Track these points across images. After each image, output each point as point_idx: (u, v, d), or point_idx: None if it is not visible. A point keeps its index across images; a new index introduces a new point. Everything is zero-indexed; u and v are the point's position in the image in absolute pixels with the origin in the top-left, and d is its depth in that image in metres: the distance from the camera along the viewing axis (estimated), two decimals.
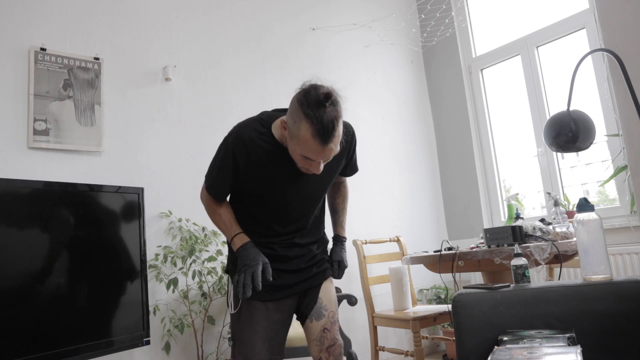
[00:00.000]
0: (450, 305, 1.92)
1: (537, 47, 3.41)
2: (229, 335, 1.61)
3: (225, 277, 2.55)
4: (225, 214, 1.55)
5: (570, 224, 2.16)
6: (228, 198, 1.62)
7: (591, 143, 1.50)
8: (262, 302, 1.52)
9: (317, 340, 1.55)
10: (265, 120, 1.47)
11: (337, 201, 1.75)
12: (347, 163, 1.63)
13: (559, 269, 2.34)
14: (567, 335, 1.26)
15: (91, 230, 2.03)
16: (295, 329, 2.25)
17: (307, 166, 1.37)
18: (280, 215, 1.54)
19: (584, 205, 1.47)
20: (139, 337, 2.13)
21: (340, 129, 1.31)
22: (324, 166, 1.43)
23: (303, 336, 2.22)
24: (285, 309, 1.57)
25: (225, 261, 2.63)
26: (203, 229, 2.65)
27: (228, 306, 1.58)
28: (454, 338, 1.69)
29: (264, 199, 1.51)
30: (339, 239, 1.72)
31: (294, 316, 1.64)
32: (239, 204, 1.58)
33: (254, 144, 1.43)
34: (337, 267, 1.66)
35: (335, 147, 1.31)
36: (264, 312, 1.52)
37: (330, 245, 1.73)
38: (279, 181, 1.48)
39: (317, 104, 1.27)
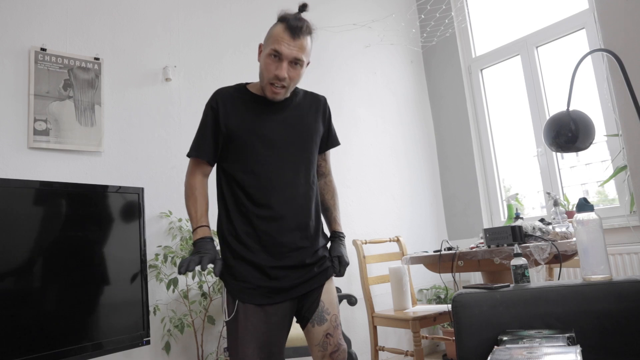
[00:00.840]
0: (450, 305, 1.92)
1: (536, 47, 3.41)
2: (226, 346, 1.55)
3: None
4: (200, 201, 1.55)
5: (570, 224, 2.16)
6: (215, 185, 1.60)
7: (591, 143, 1.51)
8: (260, 307, 1.45)
9: (319, 346, 1.49)
10: (239, 84, 1.64)
11: (327, 197, 1.72)
12: (326, 133, 1.68)
13: (558, 269, 2.34)
14: (567, 335, 1.26)
15: (91, 230, 2.03)
16: (295, 329, 2.25)
17: (274, 70, 1.46)
18: (267, 178, 1.50)
19: (584, 205, 1.47)
20: (139, 337, 2.13)
21: (308, 39, 1.49)
22: (300, 116, 1.58)
23: (303, 336, 2.21)
24: (285, 312, 1.49)
25: None
26: None
27: (223, 313, 1.50)
28: (454, 338, 1.69)
29: (247, 156, 1.50)
30: (336, 235, 1.66)
31: (294, 319, 1.57)
32: (226, 182, 1.55)
33: (231, 96, 1.57)
34: (338, 264, 1.58)
35: (302, 48, 1.46)
36: (262, 316, 1.44)
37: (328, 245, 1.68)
38: (256, 122, 1.53)
39: (291, 13, 1.49)
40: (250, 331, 1.43)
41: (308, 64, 1.54)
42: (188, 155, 1.59)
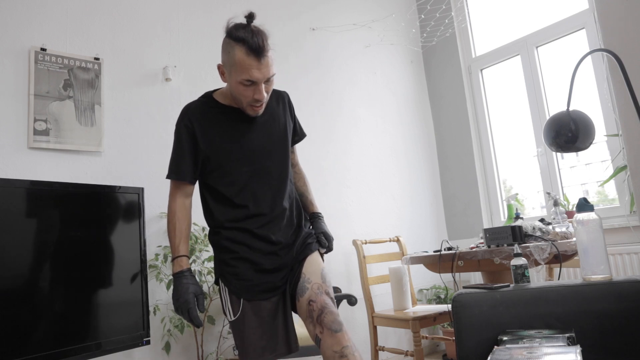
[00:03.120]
0: (450, 305, 1.93)
1: (536, 47, 3.41)
2: (234, 345, 1.58)
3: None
4: (180, 227, 1.55)
5: (570, 224, 2.16)
6: (198, 196, 1.63)
7: (591, 143, 1.51)
8: (264, 301, 1.50)
9: (307, 316, 1.42)
10: (205, 93, 1.61)
11: (299, 184, 1.76)
12: (294, 127, 1.70)
13: (558, 269, 2.34)
14: (567, 335, 1.26)
15: (91, 230, 2.03)
16: (299, 326, 2.24)
17: (251, 95, 1.43)
18: (252, 184, 1.52)
19: (584, 205, 1.47)
20: (139, 337, 2.13)
21: (269, 46, 1.42)
22: (273, 117, 1.59)
23: (306, 335, 2.21)
24: (278, 299, 1.53)
25: None
26: (203, 229, 2.65)
27: (225, 314, 1.54)
28: (454, 338, 1.69)
29: (229, 168, 1.52)
30: (315, 215, 1.70)
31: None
32: (209, 192, 1.58)
33: (200, 110, 1.54)
34: (325, 239, 1.62)
35: (270, 65, 1.42)
36: (264, 310, 1.49)
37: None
38: (235, 135, 1.52)
39: (242, 27, 1.42)
40: (258, 326, 1.46)
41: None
42: (167, 177, 1.59)
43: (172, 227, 1.56)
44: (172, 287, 2.35)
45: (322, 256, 1.65)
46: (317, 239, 1.62)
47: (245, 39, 1.39)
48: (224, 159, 1.52)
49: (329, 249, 1.63)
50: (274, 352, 1.46)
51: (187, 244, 1.55)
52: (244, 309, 1.49)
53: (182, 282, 1.47)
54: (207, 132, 1.52)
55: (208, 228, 2.65)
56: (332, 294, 1.48)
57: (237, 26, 1.44)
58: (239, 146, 1.53)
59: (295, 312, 1.54)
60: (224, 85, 1.63)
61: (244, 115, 1.55)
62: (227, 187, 1.54)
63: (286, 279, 1.54)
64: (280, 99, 1.67)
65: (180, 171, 1.55)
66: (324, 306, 1.39)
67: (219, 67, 1.50)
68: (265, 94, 1.45)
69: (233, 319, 1.50)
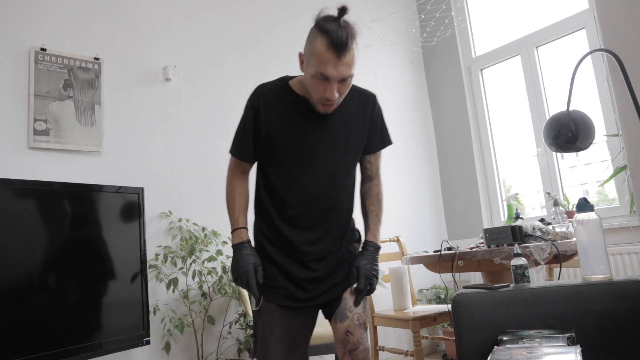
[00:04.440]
0: (450, 305, 1.92)
1: (536, 47, 3.41)
2: (252, 331, 1.56)
3: (225, 276, 2.56)
4: (239, 200, 1.52)
5: (570, 224, 2.16)
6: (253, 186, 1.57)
7: (591, 143, 1.51)
8: (282, 307, 1.46)
9: (340, 343, 1.48)
10: (283, 78, 1.52)
11: (367, 203, 1.59)
12: (374, 133, 1.56)
13: (558, 269, 2.34)
14: (567, 335, 1.26)
15: (91, 230, 2.03)
16: (322, 327, 2.24)
17: (322, 92, 1.35)
18: (303, 186, 1.45)
19: (584, 205, 1.47)
20: (139, 337, 2.13)
21: (354, 48, 1.32)
22: (346, 120, 1.47)
23: (325, 334, 2.21)
24: (309, 312, 1.50)
25: (225, 261, 2.63)
26: (203, 229, 2.65)
27: (251, 303, 1.53)
28: (454, 338, 1.69)
29: (285, 162, 1.46)
30: (367, 244, 1.54)
31: (321, 313, 1.56)
32: (263, 180, 1.53)
33: (272, 95, 1.47)
34: (356, 273, 1.47)
35: (350, 64, 1.32)
36: (284, 315, 1.45)
37: None
38: (298, 131, 1.45)
39: (331, 20, 1.32)
40: (272, 327, 1.45)
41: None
42: (230, 153, 1.55)
43: (232, 199, 1.52)
44: (171, 287, 2.36)
45: (357, 299, 1.50)
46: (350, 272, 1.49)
47: (330, 32, 1.30)
48: (278, 148, 1.46)
49: (359, 290, 1.47)
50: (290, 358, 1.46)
51: (246, 217, 1.52)
52: (262, 307, 1.48)
53: (242, 253, 1.46)
54: (271, 117, 1.46)
55: (208, 228, 2.67)
56: (367, 323, 1.53)
57: (327, 18, 1.34)
58: (298, 141, 1.45)
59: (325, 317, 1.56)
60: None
61: (314, 110, 1.44)
62: (278, 180, 1.48)
63: (315, 296, 1.48)
64: (363, 102, 1.54)
65: (242, 150, 1.51)
66: (359, 342, 1.47)
67: (299, 55, 1.42)
68: (336, 95, 1.36)
69: (256, 308, 1.49)
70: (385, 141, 1.60)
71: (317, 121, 1.46)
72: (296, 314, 1.47)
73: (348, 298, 1.50)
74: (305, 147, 1.45)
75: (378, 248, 1.55)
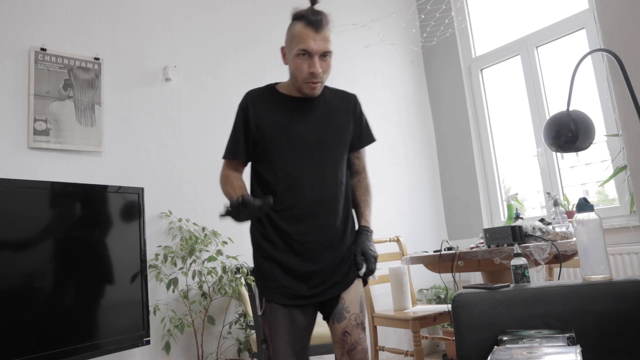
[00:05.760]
0: (450, 305, 1.93)
1: (536, 47, 3.41)
2: (263, 337, 1.57)
3: (225, 276, 2.56)
4: (237, 182, 1.56)
5: (570, 224, 2.16)
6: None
7: (591, 143, 1.51)
8: (284, 306, 1.47)
9: (338, 343, 1.50)
10: (269, 84, 1.64)
11: (357, 194, 1.66)
12: (358, 131, 1.66)
13: (558, 269, 2.34)
14: (567, 335, 1.26)
15: (91, 230, 2.03)
16: (319, 326, 2.24)
17: (307, 69, 1.46)
18: (295, 178, 1.49)
19: (584, 205, 1.47)
20: (139, 337, 2.13)
21: (329, 28, 1.49)
22: (330, 113, 1.57)
23: (324, 334, 2.21)
24: (308, 311, 1.51)
25: (225, 261, 2.63)
26: (203, 229, 2.65)
27: (257, 308, 1.55)
28: (454, 338, 1.69)
29: (276, 156, 1.50)
30: (361, 229, 1.60)
31: (319, 314, 1.58)
32: (256, 178, 1.57)
33: (260, 97, 1.58)
34: (362, 259, 1.51)
35: (327, 40, 1.48)
36: (287, 313, 1.47)
37: None
38: (287, 124, 1.52)
39: (305, 9, 1.49)
40: (277, 328, 1.47)
41: None
42: (223, 158, 1.60)
43: (229, 183, 1.56)
44: (171, 287, 2.36)
45: (364, 280, 1.57)
46: (354, 259, 1.53)
47: (305, 15, 1.46)
48: (269, 144, 1.52)
49: (369, 270, 1.52)
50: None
51: (246, 190, 1.56)
52: (265, 308, 1.50)
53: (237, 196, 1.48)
54: (260, 115, 1.54)
55: (208, 228, 2.67)
56: (364, 323, 1.56)
57: (301, 9, 1.51)
58: (286, 134, 1.52)
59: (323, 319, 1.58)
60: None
61: (299, 105, 1.55)
62: (270, 174, 1.52)
63: (316, 294, 1.49)
64: (345, 100, 1.65)
65: (235, 151, 1.57)
66: (357, 342, 1.50)
67: (281, 49, 1.55)
68: (319, 69, 1.47)
69: (260, 313, 1.53)
70: (371, 138, 1.70)
71: (304, 115, 1.55)
72: (299, 313, 1.48)
73: (345, 298, 1.51)
74: (294, 138, 1.52)
75: (372, 232, 1.63)
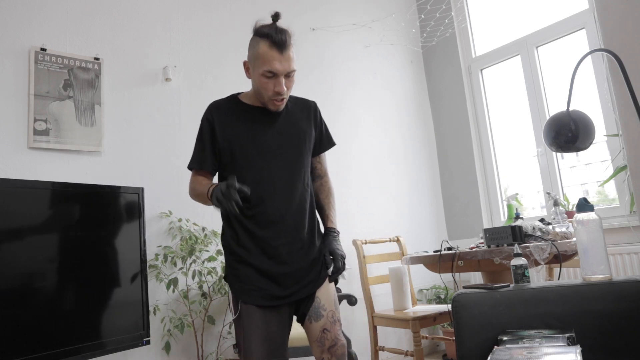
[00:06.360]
0: (450, 305, 1.92)
1: (536, 47, 3.41)
2: (236, 341, 1.59)
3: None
4: (205, 181, 1.59)
5: (570, 224, 2.16)
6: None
7: (591, 143, 1.50)
8: (260, 307, 1.50)
9: (317, 342, 1.53)
10: (231, 95, 1.68)
11: (321, 197, 1.72)
12: (319, 136, 1.71)
13: (558, 269, 2.35)
14: (567, 335, 1.26)
15: (91, 230, 2.03)
16: (295, 329, 2.25)
17: (272, 88, 1.49)
18: (263, 184, 1.53)
19: (584, 205, 1.47)
20: (139, 337, 2.13)
21: (292, 43, 1.50)
22: (292, 121, 1.62)
23: (303, 336, 2.21)
24: (284, 312, 1.54)
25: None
26: (203, 229, 2.65)
27: (231, 312, 1.57)
28: (454, 338, 1.69)
29: (244, 164, 1.55)
30: (328, 231, 1.65)
31: (294, 317, 1.61)
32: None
33: (224, 108, 1.62)
34: (331, 259, 1.56)
35: (291, 59, 1.50)
36: (263, 316, 1.49)
37: None
38: (252, 132, 1.57)
39: (268, 26, 1.50)
40: (253, 329, 1.49)
41: None
42: (189, 168, 1.64)
43: (199, 183, 1.59)
44: (171, 287, 2.36)
45: (334, 279, 1.60)
46: (323, 259, 1.59)
47: (270, 34, 1.47)
48: (237, 152, 1.56)
49: (336, 268, 1.56)
50: None
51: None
52: (241, 310, 1.52)
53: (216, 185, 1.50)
54: (225, 126, 1.58)
55: (208, 228, 2.67)
56: (340, 319, 1.60)
57: (264, 25, 1.52)
58: (252, 142, 1.56)
59: (297, 321, 1.61)
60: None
61: (263, 114, 1.60)
62: (241, 183, 1.52)
63: (292, 293, 1.53)
64: (306, 108, 1.70)
65: (202, 161, 1.61)
66: (337, 338, 1.54)
67: (244, 63, 1.58)
68: (285, 88, 1.50)
69: (234, 317, 1.55)
70: (331, 142, 1.77)
71: (267, 123, 1.60)
72: (275, 314, 1.51)
73: (320, 296, 1.56)
74: (260, 145, 1.57)
75: (339, 233, 1.68)
